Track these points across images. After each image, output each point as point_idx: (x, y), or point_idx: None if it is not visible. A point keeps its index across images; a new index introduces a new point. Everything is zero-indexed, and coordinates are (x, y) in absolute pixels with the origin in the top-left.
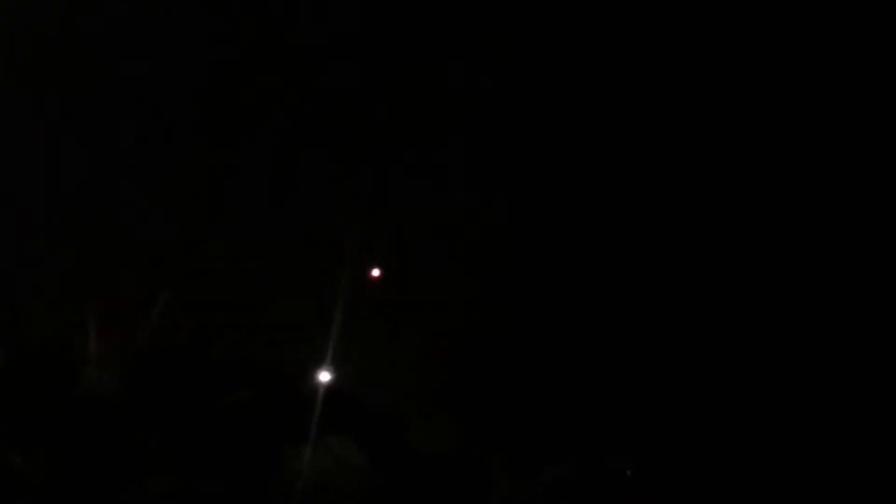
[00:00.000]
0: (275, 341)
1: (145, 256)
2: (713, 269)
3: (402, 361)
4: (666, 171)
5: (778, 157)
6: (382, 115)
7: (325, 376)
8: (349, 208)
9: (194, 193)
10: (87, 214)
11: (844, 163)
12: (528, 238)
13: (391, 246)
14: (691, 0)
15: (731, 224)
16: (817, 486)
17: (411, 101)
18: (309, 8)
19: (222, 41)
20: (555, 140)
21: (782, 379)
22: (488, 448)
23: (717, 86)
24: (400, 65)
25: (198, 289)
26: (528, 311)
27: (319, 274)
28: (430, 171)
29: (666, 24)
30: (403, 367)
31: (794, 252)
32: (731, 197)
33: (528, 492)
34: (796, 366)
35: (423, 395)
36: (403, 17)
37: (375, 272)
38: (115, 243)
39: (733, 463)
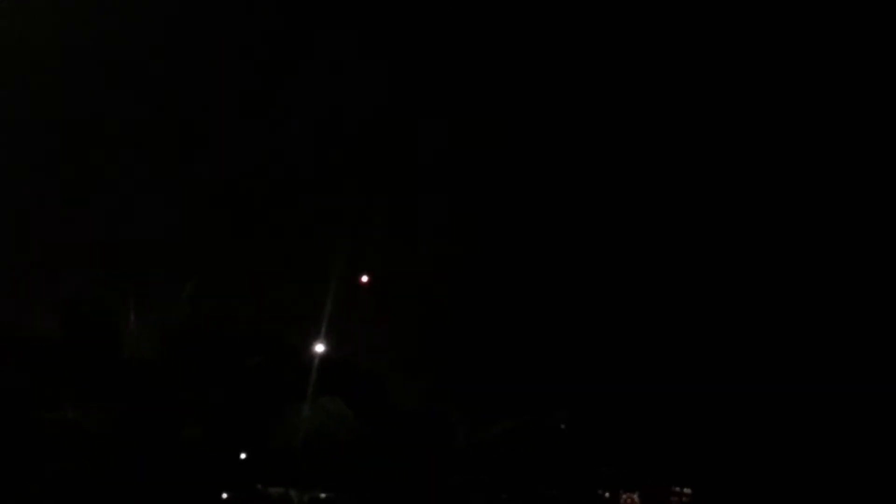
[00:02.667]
0: (280, 320)
1: (177, 252)
2: (654, 238)
3: (381, 337)
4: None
5: (778, 158)
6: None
7: (320, 348)
8: (345, 221)
9: (225, 205)
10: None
11: (844, 163)
12: (478, 247)
13: (377, 251)
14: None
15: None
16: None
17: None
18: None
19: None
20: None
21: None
22: (451, 405)
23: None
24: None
25: (219, 278)
26: (479, 304)
27: (316, 270)
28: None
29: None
30: (383, 342)
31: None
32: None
33: (483, 440)
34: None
35: (398, 364)
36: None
37: (365, 278)
38: (152, 241)
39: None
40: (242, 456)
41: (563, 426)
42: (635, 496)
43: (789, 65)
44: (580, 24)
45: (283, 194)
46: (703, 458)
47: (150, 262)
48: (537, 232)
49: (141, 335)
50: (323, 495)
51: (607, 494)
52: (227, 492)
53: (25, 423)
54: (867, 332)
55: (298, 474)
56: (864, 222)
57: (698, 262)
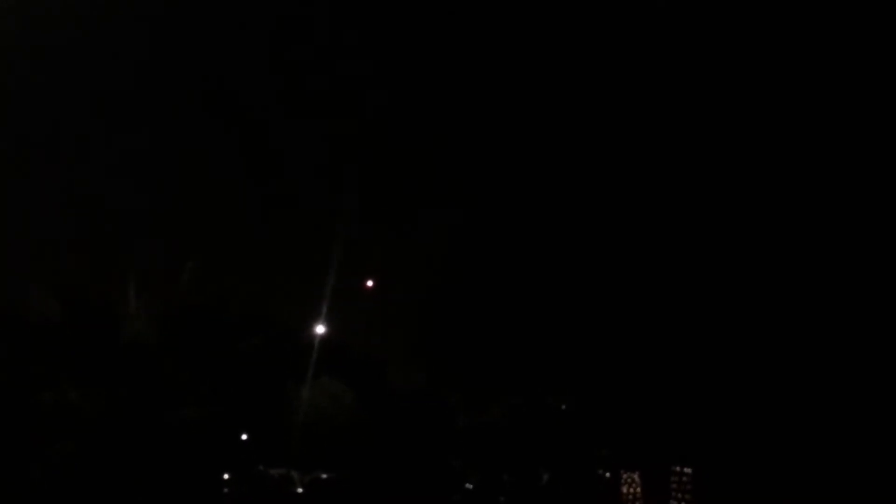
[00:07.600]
0: (280, 300)
1: (178, 234)
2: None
3: (381, 319)
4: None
5: (778, 159)
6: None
7: (320, 329)
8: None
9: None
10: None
11: (845, 164)
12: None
13: (378, 237)
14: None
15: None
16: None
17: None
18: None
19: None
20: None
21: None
22: (450, 387)
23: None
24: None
25: (218, 259)
26: (477, 288)
27: (317, 252)
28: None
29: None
30: (383, 323)
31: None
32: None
33: (482, 422)
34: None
35: (398, 345)
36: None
37: (370, 283)
38: (152, 223)
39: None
40: (244, 437)
41: (563, 407)
42: (636, 475)
43: (789, 65)
44: (580, 26)
45: (287, 178)
46: (703, 438)
47: (150, 244)
48: (536, 221)
49: (140, 317)
50: (324, 475)
51: (608, 474)
52: (228, 472)
53: (26, 405)
54: (863, 318)
55: (299, 455)
56: (864, 222)
57: (695, 248)
